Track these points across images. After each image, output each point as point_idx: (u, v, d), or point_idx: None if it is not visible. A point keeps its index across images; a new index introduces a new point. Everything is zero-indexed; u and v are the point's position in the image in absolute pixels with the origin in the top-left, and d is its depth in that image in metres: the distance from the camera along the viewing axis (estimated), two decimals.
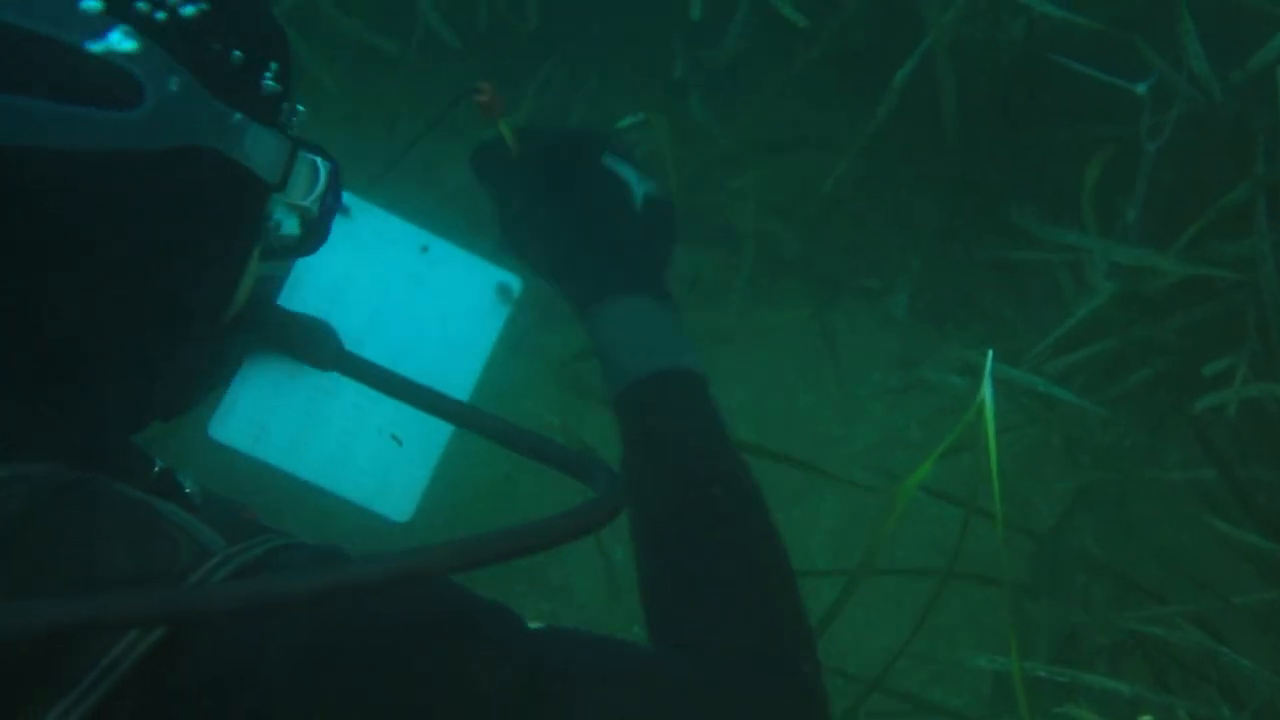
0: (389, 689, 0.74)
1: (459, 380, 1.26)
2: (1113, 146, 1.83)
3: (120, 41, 0.81)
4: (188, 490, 0.93)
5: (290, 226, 1.00)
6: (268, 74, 0.92)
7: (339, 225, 1.17)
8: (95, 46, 0.79)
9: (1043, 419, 1.64)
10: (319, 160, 0.97)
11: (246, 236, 0.95)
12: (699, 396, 1.14)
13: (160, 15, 0.83)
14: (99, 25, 0.80)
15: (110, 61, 0.80)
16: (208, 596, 0.69)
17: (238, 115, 0.88)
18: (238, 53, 0.88)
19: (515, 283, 1.30)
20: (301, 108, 1.00)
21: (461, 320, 1.29)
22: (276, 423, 1.23)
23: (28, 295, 0.81)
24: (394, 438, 1.25)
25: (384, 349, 1.24)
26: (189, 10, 0.85)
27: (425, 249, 1.29)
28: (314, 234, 1.01)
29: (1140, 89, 1.70)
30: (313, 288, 1.23)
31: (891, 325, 2.36)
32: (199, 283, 0.90)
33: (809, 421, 2.30)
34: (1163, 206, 1.82)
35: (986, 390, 1.17)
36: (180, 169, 0.84)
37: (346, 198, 1.26)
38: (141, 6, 0.83)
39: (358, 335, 1.22)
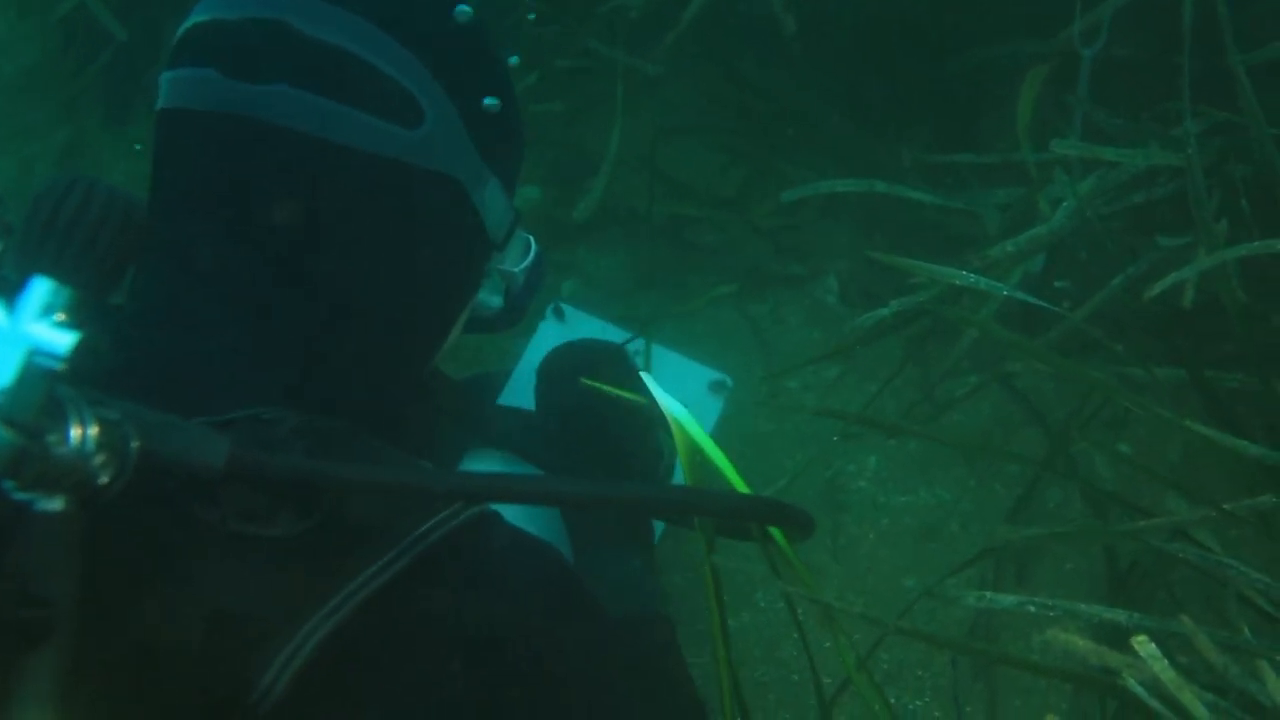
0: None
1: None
2: (1047, 63, 1.66)
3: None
4: None
5: (494, 297, 1.10)
6: (513, 142, 1.02)
7: (557, 329, 1.33)
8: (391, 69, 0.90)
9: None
10: (531, 240, 1.07)
11: (466, 281, 1.03)
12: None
13: (441, 58, 0.92)
14: (391, 49, 0.90)
15: (399, 83, 0.90)
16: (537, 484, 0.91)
17: (485, 166, 0.97)
18: (497, 113, 0.98)
19: (728, 380, 1.45)
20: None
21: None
22: None
23: (307, 267, 0.91)
24: None
25: None
26: (469, 64, 0.95)
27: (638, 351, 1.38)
28: (513, 309, 1.11)
29: None
30: (530, 387, 1.28)
31: (822, 311, 2.15)
32: (431, 297, 0.99)
33: (734, 419, 2.05)
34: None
35: None
36: (434, 191, 0.94)
37: (565, 307, 1.41)
38: (426, 47, 0.92)
39: None
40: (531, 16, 1.86)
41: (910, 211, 2.05)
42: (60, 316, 0.67)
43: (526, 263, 1.07)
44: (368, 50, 0.89)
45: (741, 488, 1.18)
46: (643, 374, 1.19)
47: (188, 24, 0.95)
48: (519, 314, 1.12)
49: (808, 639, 1.36)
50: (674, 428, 1.14)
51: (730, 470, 1.18)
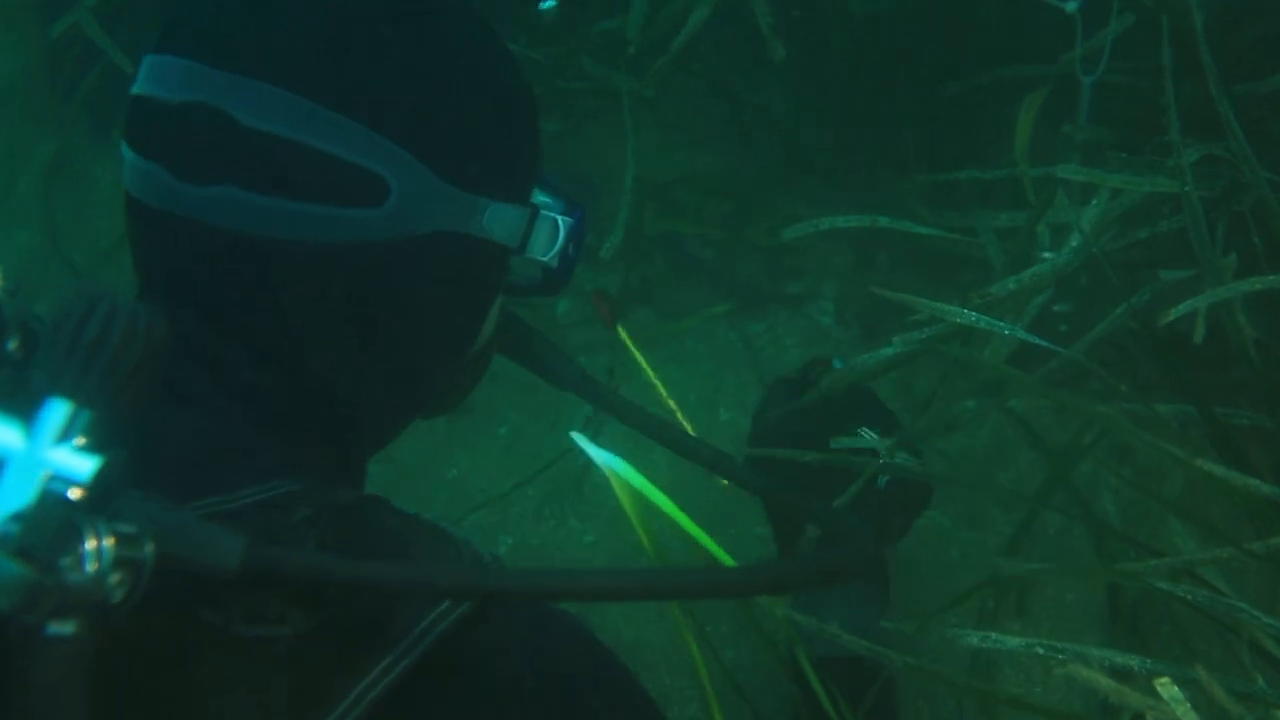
0: None
1: None
2: (1045, 88, 1.65)
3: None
4: None
5: (531, 273, 1.07)
6: (509, 149, 0.97)
7: None
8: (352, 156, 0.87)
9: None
10: (559, 219, 1.02)
11: (487, 294, 1.02)
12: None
13: (401, 118, 0.88)
14: (339, 129, 0.86)
15: (354, 163, 0.87)
16: (528, 578, 0.82)
17: (478, 199, 0.93)
18: (479, 140, 0.94)
19: None
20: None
21: None
22: None
23: (289, 357, 0.90)
24: None
25: None
26: (433, 107, 0.90)
27: None
28: (554, 279, 1.07)
29: (1071, 6, 1.52)
30: None
31: (818, 333, 2.14)
32: (442, 335, 0.99)
33: (730, 441, 2.03)
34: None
35: None
36: (417, 254, 0.91)
37: None
38: (381, 112, 0.88)
39: None
40: (546, 5, 1.83)
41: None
42: (80, 441, 0.66)
43: (556, 248, 1.02)
44: (315, 136, 0.86)
45: (689, 527, 1.20)
46: (572, 434, 1.21)
47: (134, 90, 0.93)
48: (561, 282, 1.08)
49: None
50: (612, 480, 1.14)
51: (678, 514, 1.17)
